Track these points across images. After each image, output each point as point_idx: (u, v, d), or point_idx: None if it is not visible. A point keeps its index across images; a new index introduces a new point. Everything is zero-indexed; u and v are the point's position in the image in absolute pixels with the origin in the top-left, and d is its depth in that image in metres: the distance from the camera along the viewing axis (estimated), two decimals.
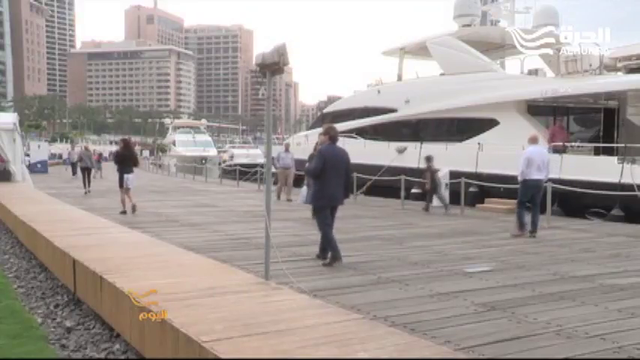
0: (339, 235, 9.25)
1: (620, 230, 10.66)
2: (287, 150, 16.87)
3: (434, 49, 19.52)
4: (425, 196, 14.13)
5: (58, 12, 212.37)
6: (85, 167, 19.95)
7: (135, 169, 13.48)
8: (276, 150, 19.27)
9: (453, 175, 14.96)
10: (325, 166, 6.75)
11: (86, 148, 23.99)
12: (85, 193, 18.42)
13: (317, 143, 9.41)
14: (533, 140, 10.00)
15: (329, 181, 6.79)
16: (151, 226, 10.15)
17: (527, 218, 9.78)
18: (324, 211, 6.95)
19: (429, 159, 13.79)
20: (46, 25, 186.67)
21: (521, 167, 9.66)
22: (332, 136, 7.00)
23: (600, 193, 12.06)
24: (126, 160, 12.86)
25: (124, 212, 12.29)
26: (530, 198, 9.83)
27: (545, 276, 6.38)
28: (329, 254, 6.90)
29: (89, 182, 19.22)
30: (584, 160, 14.17)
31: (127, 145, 13.39)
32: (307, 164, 9.36)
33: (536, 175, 9.61)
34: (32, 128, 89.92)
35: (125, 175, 12.63)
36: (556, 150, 14.31)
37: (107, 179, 24.55)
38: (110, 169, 22.88)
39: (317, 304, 4.47)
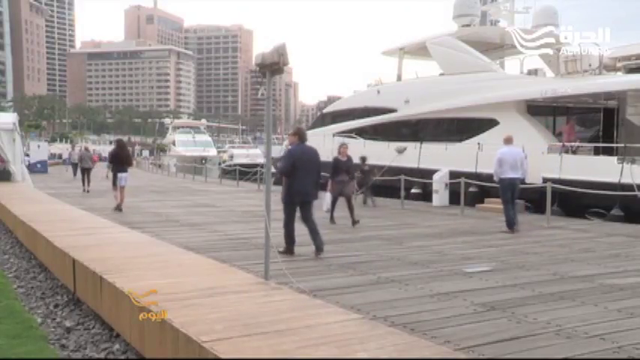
0: (339, 234, 9.29)
1: (619, 230, 10.66)
2: None
3: (434, 49, 19.51)
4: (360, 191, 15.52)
5: (57, 12, 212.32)
6: (85, 167, 20.18)
7: (133, 170, 13.84)
8: (277, 150, 19.17)
9: (453, 175, 14.98)
10: (295, 165, 7.19)
11: (86, 149, 24.24)
12: (85, 191, 18.55)
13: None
14: (507, 141, 10.32)
15: (299, 178, 7.22)
16: (150, 226, 10.16)
17: (519, 217, 10.25)
18: (292, 205, 7.40)
19: (363, 159, 15.13)
20: (46, 25, 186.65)
21: (494, 167, 10.10)
22: (301, 136, 7.53)
23: (600, 193, 12.06)
24: (120, 160, 13.38)
25: (118, 208, 12.57)
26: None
27: (545, 276, 6.39)
28: (286, 245, 7.41)
29: (89, 182, 19.43)
30: (584, 160, 14.17)
31: (121, 146, 14.12)
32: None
33: (510, 174, 9.97)
34: (32, 128, 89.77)
35: (119, 174, 13.08)
36: (566, 150, 14.36)
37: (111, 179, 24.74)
38: None
39: (317, 304, 4.47)
